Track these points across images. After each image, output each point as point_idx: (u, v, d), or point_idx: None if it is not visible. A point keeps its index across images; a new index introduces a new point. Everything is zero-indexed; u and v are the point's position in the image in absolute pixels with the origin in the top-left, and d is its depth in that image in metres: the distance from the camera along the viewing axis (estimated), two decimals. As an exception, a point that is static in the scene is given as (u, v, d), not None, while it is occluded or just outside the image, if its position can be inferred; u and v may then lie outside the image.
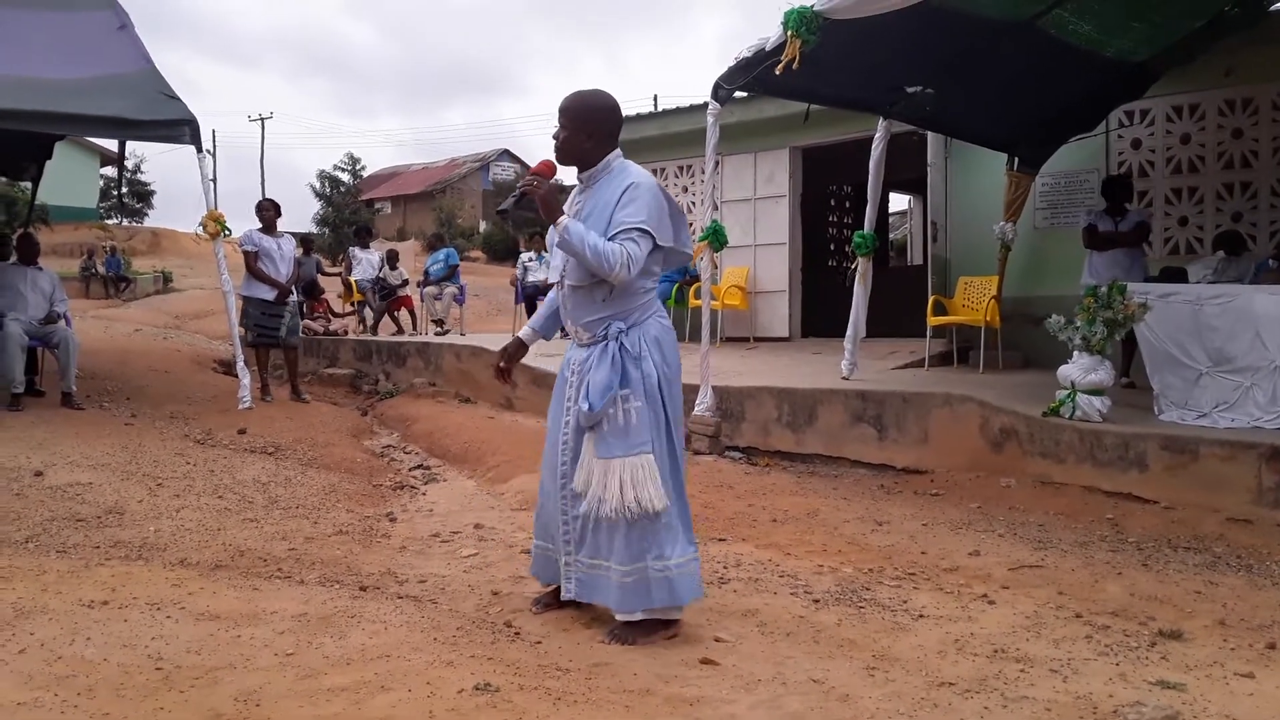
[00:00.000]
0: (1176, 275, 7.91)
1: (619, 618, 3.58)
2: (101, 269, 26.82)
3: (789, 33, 6.17)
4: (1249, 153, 8.97)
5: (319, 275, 14.44)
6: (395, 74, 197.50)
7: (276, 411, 8.65)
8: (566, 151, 3.64)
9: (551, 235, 3.60)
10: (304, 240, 14.19)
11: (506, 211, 3.71)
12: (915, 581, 4.41)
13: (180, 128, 8.21)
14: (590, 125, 3.61)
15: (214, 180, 25.33)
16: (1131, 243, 8.08)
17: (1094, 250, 8.22)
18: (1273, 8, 7.87)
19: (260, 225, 9.31)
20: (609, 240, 3.46)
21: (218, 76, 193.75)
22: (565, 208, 3.65)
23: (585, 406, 3.52)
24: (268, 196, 9.52)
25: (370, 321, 14.26)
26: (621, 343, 3.57)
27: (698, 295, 10.37)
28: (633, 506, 3.45)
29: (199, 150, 8.36)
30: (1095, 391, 6.16)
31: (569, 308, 3.74)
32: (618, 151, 3.68)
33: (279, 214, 9.50)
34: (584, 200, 3.65)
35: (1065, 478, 6.05)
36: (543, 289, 13.82)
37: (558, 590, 3.83)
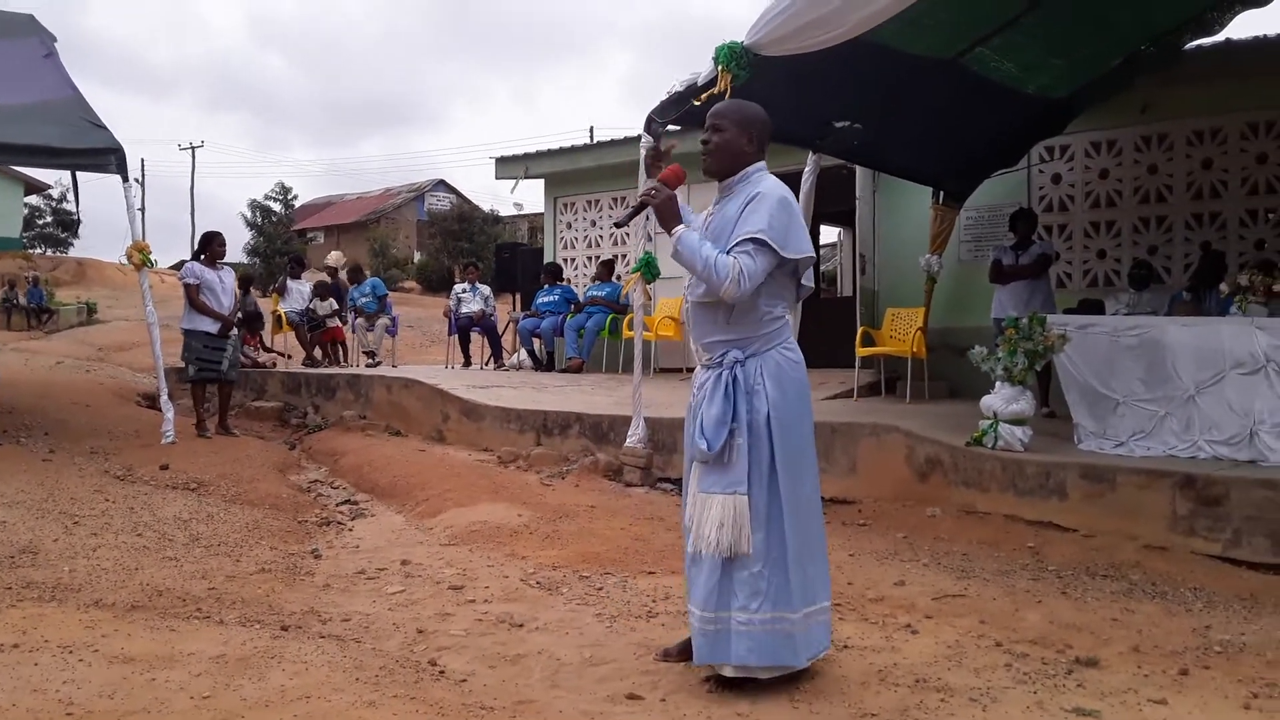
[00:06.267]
0: (1094, 307, 8.13)
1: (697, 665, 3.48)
2: (23, 300, 26.23)
3: (719, 67, 6.27)
4: (1164, 187, 9.27)
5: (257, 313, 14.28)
6: (308, 107, 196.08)
7: (201, 446, 8.48)
8: (725, 151, 3.51)
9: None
10: (244, 279, 13.94)
11: (623, 224, 3.74)
12: (841, 612, 4.44)
13: (107, 156, 8.11)
14: (752, 128, 3.51)
15: (141, 210, 24.93)
16: (1033, 274, 8.32)
17: (999, 284, 8.43)
18: (1186, 48, 8.18)
19: (204, 257, 9.12)
20: (726, 253, 3.33)
21: (128, 108, 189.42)
22: (697, 221, 3.58)
23: (703, 445, 3.36)
24: (214, 230, 9.34)
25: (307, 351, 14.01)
26: (735, 374, 3.40)
27: (631, 327, 10.40)
28: (723, 548, 3.30)
29: (125, 179, 8.25)
30: (1017, 421, 6.28)
31: (692, 325, 3.64)
32: (761, 164, 3.55)
33: (225, 248, 9.35)
34: (717, 212, 3.54)
35: (989, 507, 6.15)
36: (476, 320, 13.72)
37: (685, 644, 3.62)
